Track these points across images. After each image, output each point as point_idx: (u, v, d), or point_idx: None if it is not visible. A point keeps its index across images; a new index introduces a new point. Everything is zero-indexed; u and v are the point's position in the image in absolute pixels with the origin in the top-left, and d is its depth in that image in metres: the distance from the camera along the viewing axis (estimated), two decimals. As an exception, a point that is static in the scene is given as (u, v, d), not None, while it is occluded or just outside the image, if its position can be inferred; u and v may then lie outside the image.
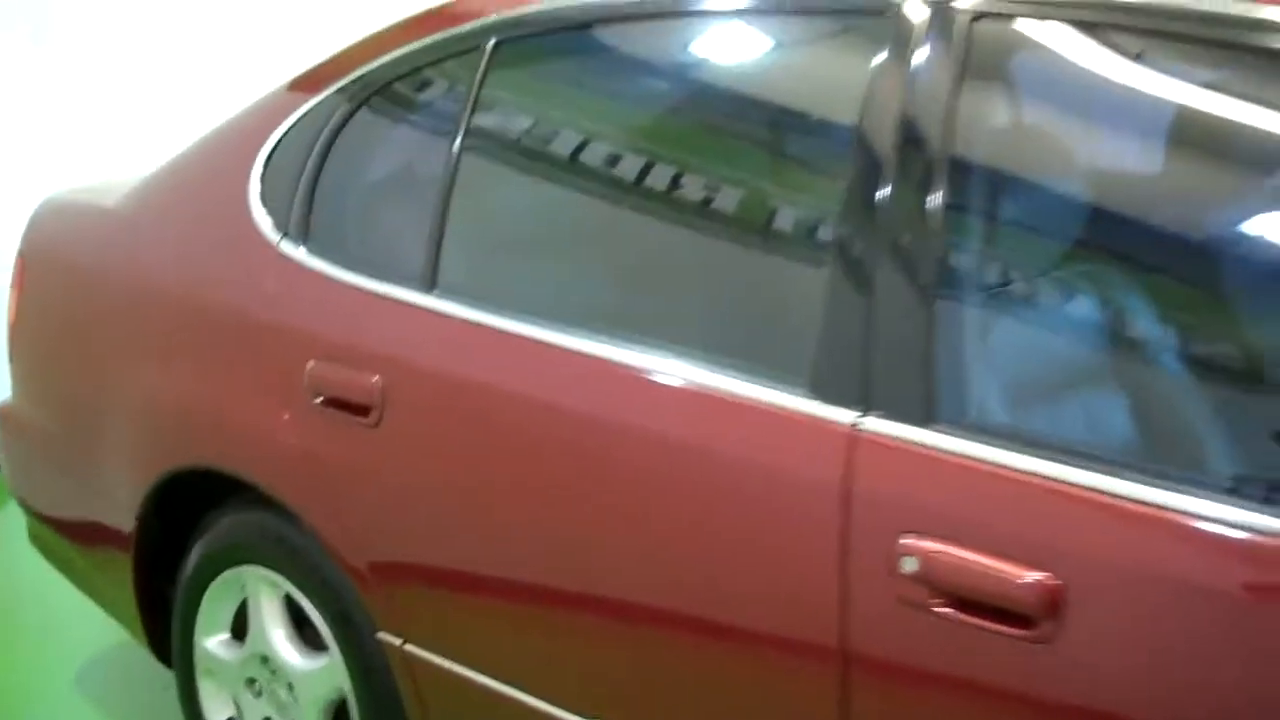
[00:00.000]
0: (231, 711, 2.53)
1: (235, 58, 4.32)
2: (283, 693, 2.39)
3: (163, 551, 2.56)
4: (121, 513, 2.56)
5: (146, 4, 4.61)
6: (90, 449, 2.68)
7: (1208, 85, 1.59)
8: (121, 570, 2.61)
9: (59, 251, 2.84)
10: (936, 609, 1.53)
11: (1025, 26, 1.66)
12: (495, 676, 2.01)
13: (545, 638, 1.96)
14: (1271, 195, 1.55)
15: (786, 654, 1.68)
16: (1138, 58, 1.61)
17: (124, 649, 3.08)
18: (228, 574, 2.43)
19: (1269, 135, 1.54)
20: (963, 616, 1.52)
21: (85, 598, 2.94)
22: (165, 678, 2.71)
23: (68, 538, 2.85)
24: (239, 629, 2.47)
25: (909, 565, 1.55)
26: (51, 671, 3.27)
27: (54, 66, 4.56)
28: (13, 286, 2.91)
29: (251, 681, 2.46)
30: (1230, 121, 1.57)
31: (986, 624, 1.50)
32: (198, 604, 2.49)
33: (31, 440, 2.90)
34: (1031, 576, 1.47)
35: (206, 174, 2.54)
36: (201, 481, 2.42)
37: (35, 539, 3.02)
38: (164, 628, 2.62)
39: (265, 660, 2.41)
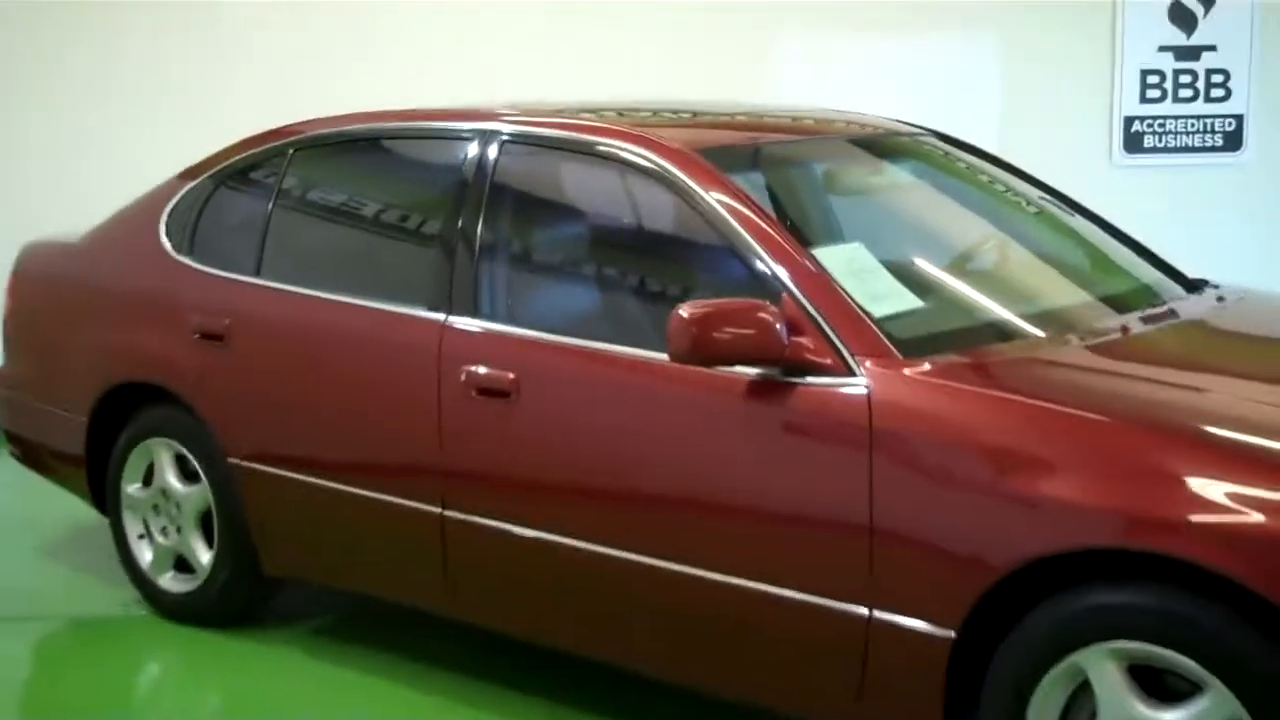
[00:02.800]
0: (141, 529, 4.39)
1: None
2: (174, 510, 4.27)
3: (100, 443, 4.43)
4: (77, 422, 4.43)
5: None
6: (57, 386, 4.56)
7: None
8: (76, 456, 4.47)
9: (38, 270, 4.74)
10: (476, 396, 3.48)
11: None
12: (283, 466, 3.92)
13: (312, 441, 3.87)
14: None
15: (409, 425, 3.60)
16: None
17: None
18: (140, 445, 4.32)
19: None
20: (481, 398, 3.47)
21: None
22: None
23: (41, 444, 4.71)
24: (147, 480, 4.35)
25: (463, 377, 3.51)
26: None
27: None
28: (7, 294, 4.80)
29: (155, 507, 4.33)
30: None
31: (491, 399, 3.45)
32: (123, 464, 4.36)
33: (18, 389, 4.76)
34: (510, 374, 3.43)
35: (133, 222, 4.46)
36: (125, 393, 4.30)
37: (14, 454, 4.87)
38: (100, 488, 4.49)
39: (164, 492, 4.29)
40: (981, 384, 2.88)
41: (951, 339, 3.08)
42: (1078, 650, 2.68)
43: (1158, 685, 2.65)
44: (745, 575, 3.08)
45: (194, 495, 4.20)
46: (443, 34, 6.82)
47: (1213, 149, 7.27)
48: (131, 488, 4.37)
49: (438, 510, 3.58)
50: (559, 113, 3.75)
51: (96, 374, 4.37)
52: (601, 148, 3.53)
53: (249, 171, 4.25)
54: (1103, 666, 2.66)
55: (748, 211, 3.22)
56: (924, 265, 3.58)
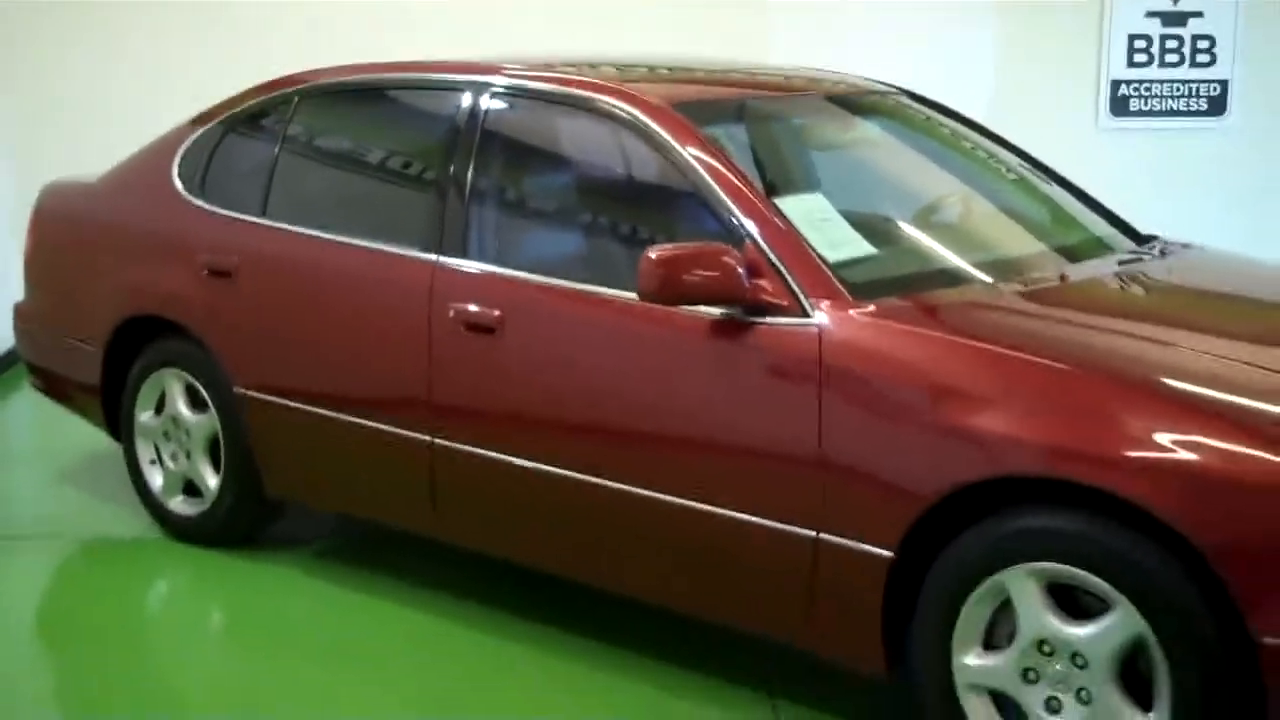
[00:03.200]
0: (153, 455, 4.66)
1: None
2: (183, 436, 4.54)
3: (115, 374, 4.70)
4: (93, 358, 4.70)
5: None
6: (75, 319, 4.83)
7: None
8: (93, 386, 4.75)
9: (58, 209, 5.00)
10: (464, 331, 3.74)
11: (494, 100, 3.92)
12: (285, 395, 4.19)
13: (312, 372, 4.13)
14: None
15: (402, 358, 3.86)
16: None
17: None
18: (153, 375, 4.58)
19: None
20: (469, 333, 3.73)
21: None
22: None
23: (61, 375, 4.98)
24: (159, 408, 4.62)
25: (452, 314, 3.77)
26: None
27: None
28: (29, 231, 5.06)
29: (166, 434, 4.61)
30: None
31: (479, 335, 3.71)
32: (136, 394, 4.63)
33: (39, 322, 5.03)
34: (496, 311, 3.69)
35: (148, 164, 4.71)
36: (138, 327, 4.57)
37: (36, 385, 5.15)
38: (115, 416, 4.76)
39: (174, 420, 4.55)
40: (919, 324, 3.12)
41: (901, 283, 3.33)
42: (1002, 570, 2.93)
43: (1072, 603, 2.89)
44: (707, 500, 3.33)
45: (202, 423, 4.47)
46: (444, 29, 7.06)
47: (1198, 113, 7.49)
48: (144, 416, 4.64)
49: (427, 438, 3.85)
50: (549, 67, 3.99)
51: (112, 308, 4.63)
52: (585, 101, 3.78)
53: (257, 117, 4.50)
54: (1024, 585, 2.91)
55: (715, 163, 3.46)
56: (884, 215, 3.83)
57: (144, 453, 4.67)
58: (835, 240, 3.39)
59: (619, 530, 3.54)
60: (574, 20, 7.11)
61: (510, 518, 3.79)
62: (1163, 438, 2.76)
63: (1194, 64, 7.44)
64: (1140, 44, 7.41)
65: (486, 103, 3.93)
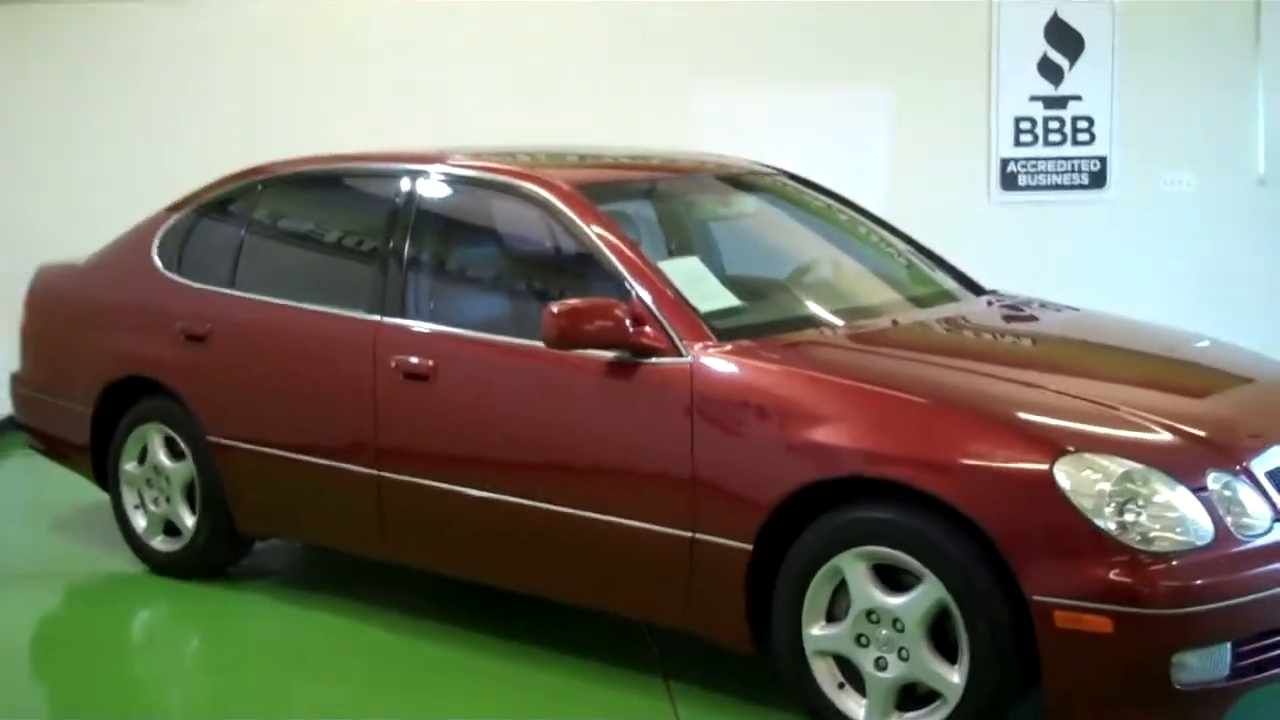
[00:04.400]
0: (136, 501, 5.31)
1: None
2: (164, 482, 5.20)
3: (102, 431, 5.37)
4: (83, 417, 5.36)
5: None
6: (67, 384, 5.50)
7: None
8: (83, 443, 5.41)
9: (50, 288, 5.69)
10: (404, 380, 4.43)
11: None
12: (252, 442, 4.86)
13: (276, 421, 4.80)
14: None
15: (352, 404, 4.54)
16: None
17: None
18: (137, 430, 5.25)
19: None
20: (408, 381, 4.42)
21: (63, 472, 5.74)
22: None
23: (54, 435, 5.65)
24: (141, 459, 5.29)
25: (393, 364, 4.46)
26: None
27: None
28: (24, 309, 5.75)
29: (149, 482, 5.27)
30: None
31: (415, 382, 4.41)
32: (121, 448, 5.30)
33: (34, 388, 5.70)
34: (430, 361, 4.38)
35: (129, 246, 5.41)
36: (123, 388, 5.24)
37: (32, 445, 5.81)
38: (102, 470, 5.43)
39: (155, 468, 5.22)
40: (764, 360, 3.83)
41: (757, 329, 4.05)
42: (838, 555, 3.62)
43: (892, 579, 3.58)
44: (605, 511, 4.01)
45: (180, 469, 5.13)
46: (410, 81, 7.81)
47: (1080, 187, 8.28)
48: (129, 465, 5.30)
49: (375, 473, 4.52)
50: (476, 156, 4.72)
51: (99, 372, 5.31)
52: (504, 185, 4.52)
53: (225, 203, 5.21)
54: (854, 566, 3.60)
55: (609, 234, 4.19)
56: (756, 273, 4.57)
57: (129, 499, 5.32)
58: (706, 294, 4.12)
59: (536, 541, 4.22)
60: (526, 78, 7.85)
61: (446, 537, 4.46)
62: (957, 445, 3.47)
63: (1075, 142, 8.24)
64: (1025, 125, 8.21)
65: (422, 187, 4.66)
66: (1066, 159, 8.25)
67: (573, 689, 4.15)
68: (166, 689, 4.52)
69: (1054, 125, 8.21)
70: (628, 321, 3.93)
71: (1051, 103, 8.21)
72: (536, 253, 4.60)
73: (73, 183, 7.71)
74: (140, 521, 5.29)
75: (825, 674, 3.70)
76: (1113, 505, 3.31)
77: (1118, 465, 3.36)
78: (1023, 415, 3.56)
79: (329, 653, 4.55)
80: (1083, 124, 8.23)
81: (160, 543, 5.25)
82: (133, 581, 5.25)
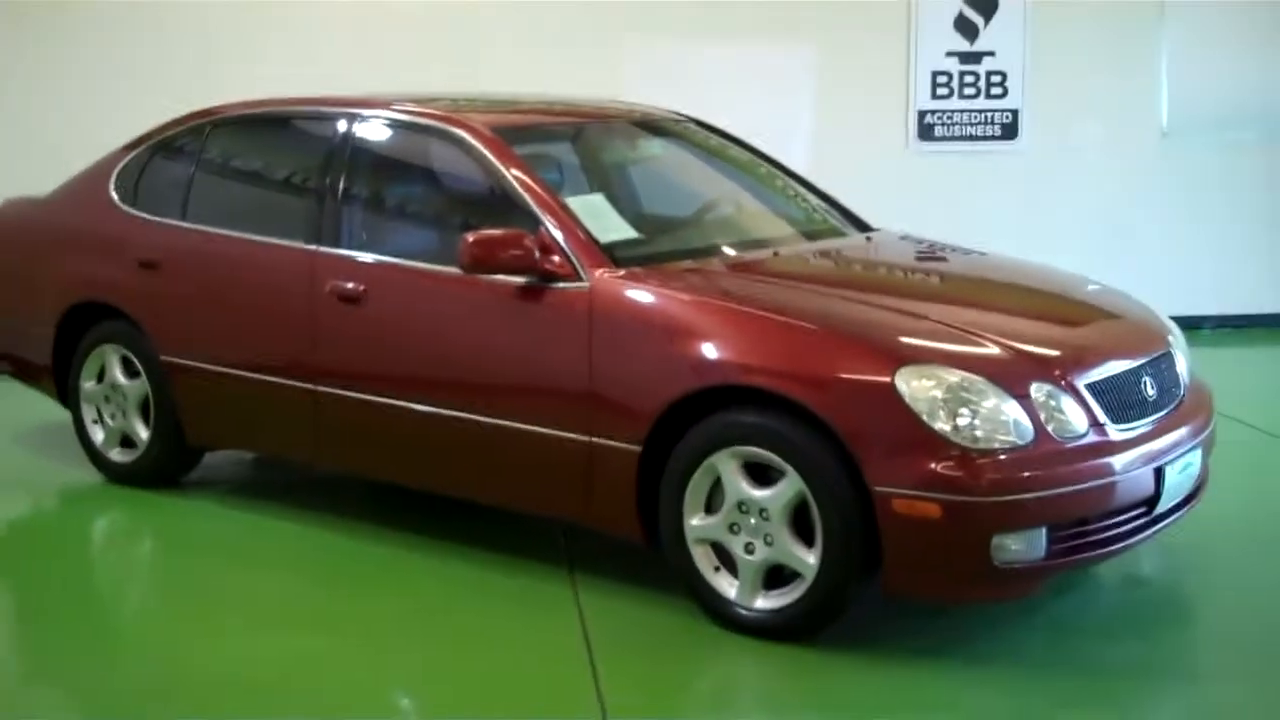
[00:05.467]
0: (95, 416, 5.77)
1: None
2: (120, 399, 5.65)
3: (63, 350, 5.82)
4: (45, 338, 5.81)
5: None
6: (30, 309, 5.95)
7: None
8: (45, 364, 5.87)
9: (14, 219, 6.12)
10: (337, 302, 4.89)
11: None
12: (201, 360, 5.33)
13: (222, 341, 5.27)
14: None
15: (291, 325, 5.01)
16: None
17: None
18: (95, 351, 5.70)
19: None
20: (341, 304, 4.89)
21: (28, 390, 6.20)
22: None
23: (18, 356, 6.09)
24: (99, 377, 5.75)
25: (328, 289, 4.93)
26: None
27: None
28: (-11, 240, 6.20)
29: (106, 398, 5.73)
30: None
31: (347, 304, 4.88)
32: (81, 367, 5.75)
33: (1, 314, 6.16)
34: (361, 286, 4.85)
35: (89, 181, 5.84)
36: (82, 312, 5.69)
37: (2, 369, 6.26)
38: (63, 387, 5.88)
39: (113, 386, 5.67)
40: (654, 284, 4.32)
41: (654, 258, 4.53)
42: (714, 453, 4.12)
43: (761, 474, 4.09)
44: (517, 419, 4.50)
45: (135, 387, 5.59)
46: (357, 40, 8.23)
47: (993, 138, 8.79)
48: (88, 384, 5.75)
49: (310, 387, 5.00)
50: (404, 100, 5.17)
51: (61, 297, 5.75)
52: (428, 127, 4.97)
53: (176, 143, 5.65)
54: (727, 464, 4.11)
55: (521, 173, 4.66)
56: (663, 210, 5.07)
57: (88, 414, 5.77)
58: (607, 227, 4.60)
59: (454, 447, 4.70)
60: (460, 37, 8.30)
61: (374, 444, 4.94)
62: (814, 358, 3.98)
63: (989, 96, 8.74)
64: (942, 79, 8.70)
65: (357, 128, 5.11)
66: (980, 111, 8.76)
67: (486, 580, 4.65)
68: (119, 580, 5.04)
69: (969, 80, 8.71)
70: (536, 250, 4.40)
71: (967, 58, 8.71)
72: (458, 189, 5.06)
73: (38, 127, 8.11)
74: (99, 435, 5.74)
75: (703, 559, 4.20)
76: (945, 409, 3.82)
77: (950, 375, 3.87)
78: (870, 332, 4.06)
79: (266, 550, 5.04)
80: (996, 79, 8.74)
81: (117, 454, 5.71)
82: (92, 490, 5.72)
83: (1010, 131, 8.78)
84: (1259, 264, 9.02)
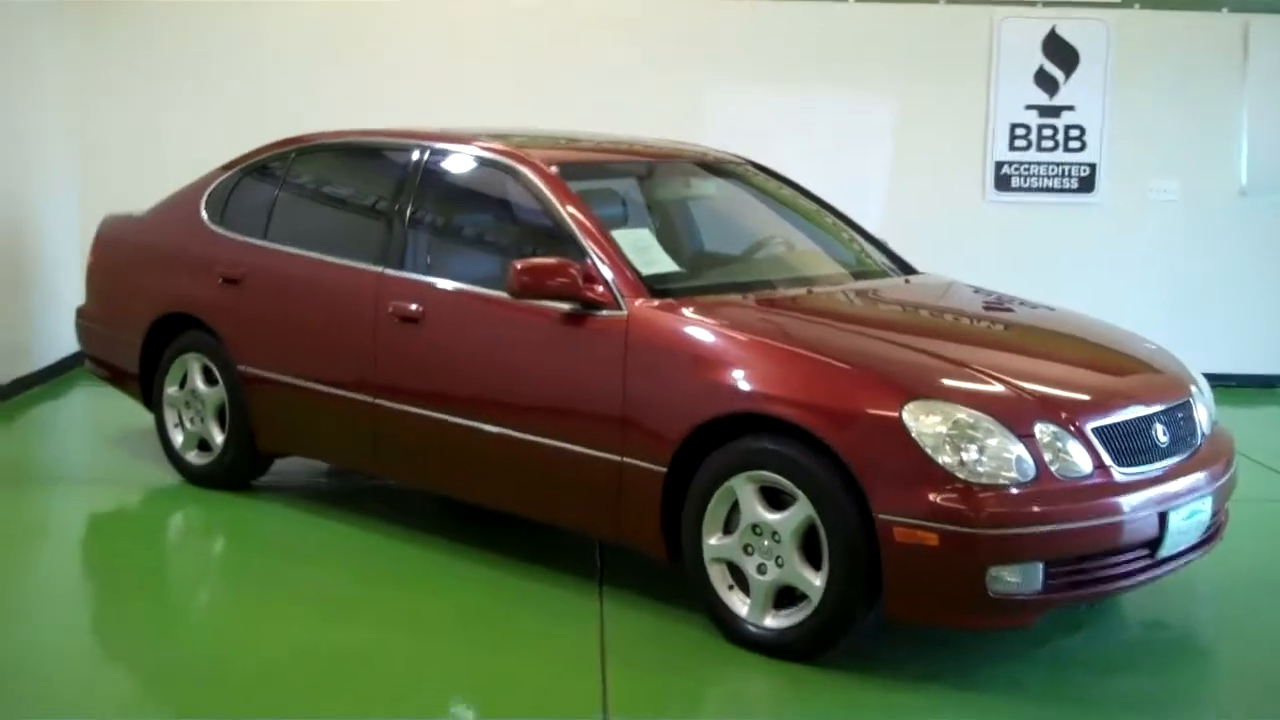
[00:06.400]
0: (176, 420, 6.15)
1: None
2: (199, 405, 6.03)
3: (149, 358, 6.21)
4: (134, 346, 6.21)
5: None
6: (122, 318, 6.36)
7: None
8: (133, 370, 6.26)
9: (113, 235, 6.55)
10: (398, 321, 5.21)
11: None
12: (274, 371, 5.68)
13: (294, 354, 5.60)
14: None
15: (356, 341, 5.33)
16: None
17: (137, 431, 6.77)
18: (179, 359, 6.08)
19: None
20: (402, 323, 5.20)
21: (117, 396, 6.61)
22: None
23: (110, 362, 6.51)
24: (182, 384, 6.12)
25: (390, 309, 5.24)
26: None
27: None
28: (91, 251, 6.62)
29: (186, 404, 6.10)
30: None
31: (407, 324, 5.19)
32: (165, 373, 6.14)
33: (95, 320, 6.57)
34: (416, 307, 5.17)
35: (182, 201, 6.24)
36: (169, 323, 6.08)
37: (91, 370, 6.69)
38: (149, 392, 6.27)
39: (194, 393, 6.05)
40: (686, 315, 4.56)
41: (692, 290, 4.78)
42: (732, 477, 4.35)
43: (775, 499, 4.31)
44: (556, 438, 4.76)
45: (213, 394, 5.95)
46: (445, 80, 8.62)
47: (1070, 190, 8.90)
48: (171, 390, 6.12)
49: (371, 400, 5.31)
50: (471, 135, 5.49)
51: (149, 308, 6.14)
52: (491, 160, 5.28)
53: (264, 167, 6.02)
54: (744, 487, 4.33)
55: (572, 207, 4.94)
56: (704, 244, 5.34)
57: (170, 418, 6.15)
58: (650, 260, 4.86)
59: (499, 461, 4.97)
60: (547, 71, 8.65)
61: (428, 456, 5.24)
62: (829, 390, 4.19)
63: (1067, 149, 8.87)
64: (1020, 131, 8.85)
65: (428, 159, 5.43)
66: (1058, 164, 8.88)
67: (520, 587, 4.91)
68: (190, 571, 5.39)
69: (1047, 132, 8.85)
70: (580, 279, 4.67)
71: (1046, 111, 8.84)
72: (517, 219, 5.35)
73: (142, 153, 8.58)
74: (178, 438, 6.11)
75: (719, 577, 4.42)
76: (950, 444, 4.00)
77: (957, 412, 4.06)
78: (883, 368, 4.27)
79: (326, 549, 5.34)
80: (1074, 132, 8.86)
81: (194, 457, 6.07)
82: (170, 490, 6.08)
83: (1087, 185, 8.89)
84: (1335, 325, 9.02)
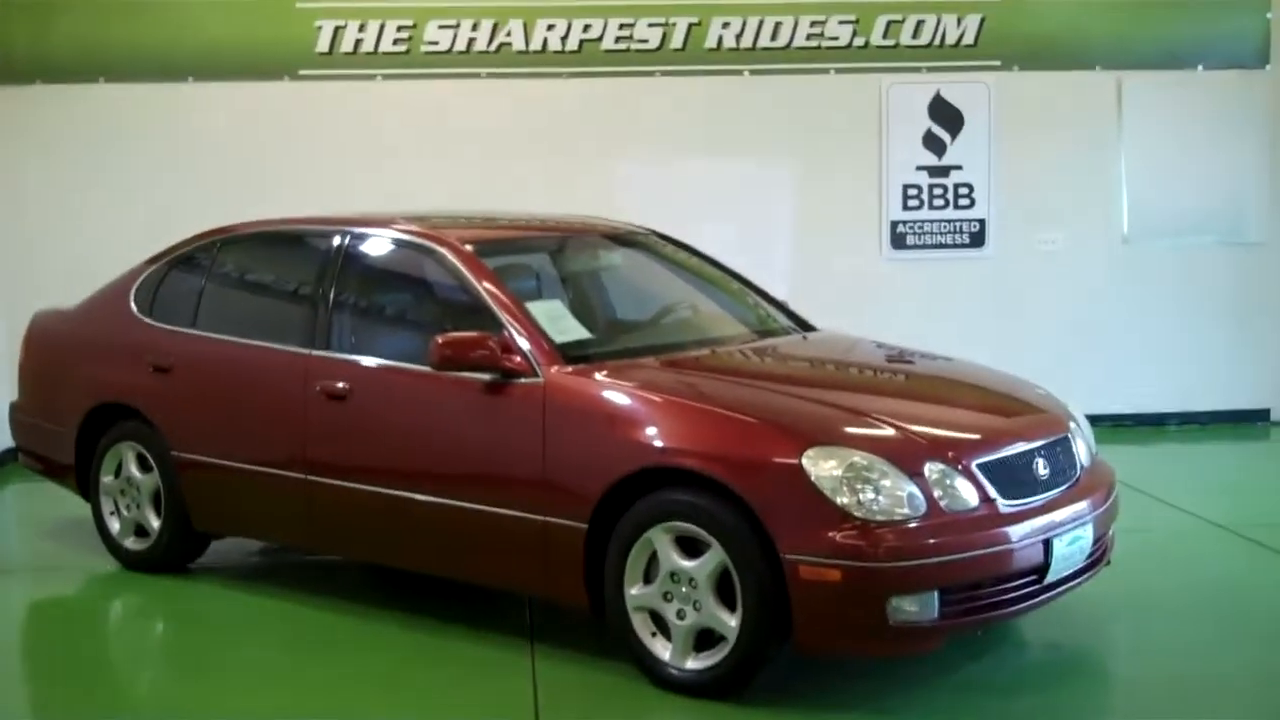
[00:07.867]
0: (112, 508, 6.34)
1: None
2: (135, 491, 6.22)
3: (84, 449, 6.40)
4: (69, 438, 6.40)
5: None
6: (56, 410, 6.55)
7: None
8: (68, 461, 6.45)
9: (43, 328, 6.75)
10: (326, 400, 5.46)
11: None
12: (207, 455, 5.90)
13: (226, 437, 5.83)
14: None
15: (287, 421, 5.58)
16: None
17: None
18: (113, 448, 6.28)
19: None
20: (330, 401, 5.45)
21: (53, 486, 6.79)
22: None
23: (45, 455, 6.69)
24: (116, 472, 6.32)
25: (318, 388, 5.50)
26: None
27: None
28: (22, 347, 6.82)
29: (123, 492, 6.30)
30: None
31: (335, 402, 5.45)
32: (100, 465, 6.33)
33: (28, 413, 6.75)
34: (343, 385, 5.42)
35: (111, 294, 6.46)
36: (101, 414, 6.29)
37: (25, 464, 6.86)
38: (84, 482, 6.46)
39: (129, 480, 6.25)
40: (598, 379, 4.86)
41: (604, 355, 5.09)
42: (650, 529, 4.64)
43: (691, 547, 4.60)
44: (483, 502, 5.02)
45: (148, 480, 6.15)
46: (369, 163, 8.92)
47: (962, 245, 9.34)
48: (107, 478, 6.32)
49: (304, 477, 5.55)
50: (389, 218, 5.78)
51: (84, 399, 6.34)
52: (409, 242, 5.57)
53: (190, 258, 6.27)
54: (661, 538, 4.61)
55: (488, 283, 5.23)
56: (613, 312, 5.67)
57: (106, 506, 6.34)
58: (564, 329, 5.16)
59: (431, 528, 5.22)
60: (464, 152, 8.97)
61: (361, 528, 5.48)
62: (733, 441, 4.50)
63: (957, 206, 9.31)
64: (913, 192, 9.29)
65: (347, 243, 5.72)
66: (949, 221, 9.31)
67: (453, 647, 5.16)
68: (129, 654, 5.56)
69: (938, 191, 9.29)
70: (498, 350, 4.97)
71: (935, 171, 9.29)
72: (436, 297, 5.63)
73: (69, 245, 8.78)
74: (115, 525, 6.30)
75: (642, 625, 4.69)
76: (847, 486, 4.32)
77: (852, 455, 4.38)
78: (782, 418, 4.59)
79: (257, 624, 5.56)
80: (964, 190, 9.31)
81: (131, 543, 6.26)
82: (108, 576, 6.25)
83: (978, 239, 9.33)
84: (1220, 362, 9.49)
